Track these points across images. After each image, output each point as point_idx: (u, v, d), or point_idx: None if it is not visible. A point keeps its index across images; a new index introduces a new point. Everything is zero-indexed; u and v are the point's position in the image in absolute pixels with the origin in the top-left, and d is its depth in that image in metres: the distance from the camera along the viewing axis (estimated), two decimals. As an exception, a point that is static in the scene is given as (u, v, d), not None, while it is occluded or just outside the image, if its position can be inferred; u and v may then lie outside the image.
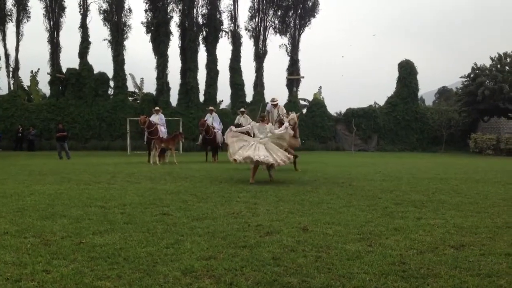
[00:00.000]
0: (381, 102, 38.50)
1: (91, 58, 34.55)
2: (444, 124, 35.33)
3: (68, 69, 33.96)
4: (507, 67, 31.88)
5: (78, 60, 34.19)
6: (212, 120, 20.06)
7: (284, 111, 14.35)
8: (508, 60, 32.07)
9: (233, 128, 11.44)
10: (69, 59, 38.19)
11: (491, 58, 32.90)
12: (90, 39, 34.39)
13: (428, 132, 36.11)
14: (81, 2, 34.39)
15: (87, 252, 4.37)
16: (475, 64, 33.40)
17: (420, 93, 39.37)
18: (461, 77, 34.41)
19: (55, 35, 34.50)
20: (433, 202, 7.69)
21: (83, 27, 34.22)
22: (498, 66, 32.19)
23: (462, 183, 10.75)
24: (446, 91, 71.23)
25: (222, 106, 39.76)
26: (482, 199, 8.11)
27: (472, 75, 33.09)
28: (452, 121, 35.50)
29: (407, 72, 36.25)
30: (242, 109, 20.52)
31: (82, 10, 34.35)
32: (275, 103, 14.52)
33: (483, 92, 30.53)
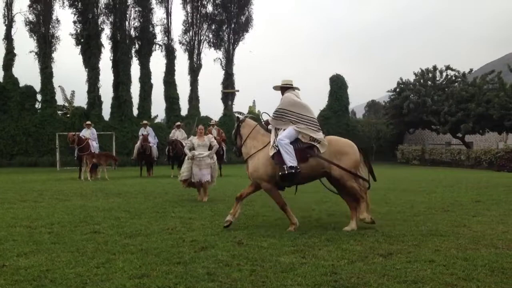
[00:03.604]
0: (314, 115, 39.34)
1: (16, 71, 32.84)
2: (374, 136, 36.74)
3: (-9, 82, 32.14)
4: (429, 82, 33.78)
5: (2, 73, 32.47)
6: (147, 134, 19.73)
7: None
8: (430, 75, 34.01)
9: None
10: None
11: (415, 74, 34.70)
12: (15, 51, 32.82)
13: (359, 144, 37.23)
14: (6, 13, 32.80)
15: (11, 275, 4.14)
16: (401, 78, 35.04)
17: (351, 106, 40.70)
18: (388, 91, 35.96)
19: (-24, 47, 32.60)
20: (363, 212, 7.94)
21: (8, 38, 32.60)
22: (421, 81, 33.99)
23: (390, 193, 11.22)
24: (375, 104, 74.32)
25: (157, 120, 39.14)
26: (409, 208, 8.52)
27: (397, 89, 34.70)
28: (380, 133, 36.98)
29: (338, 86, 37.35)
30: (178, 123, 20.33)
31: (6, 21, 32.75)
32: None
33: (408, 105, 32.08)
